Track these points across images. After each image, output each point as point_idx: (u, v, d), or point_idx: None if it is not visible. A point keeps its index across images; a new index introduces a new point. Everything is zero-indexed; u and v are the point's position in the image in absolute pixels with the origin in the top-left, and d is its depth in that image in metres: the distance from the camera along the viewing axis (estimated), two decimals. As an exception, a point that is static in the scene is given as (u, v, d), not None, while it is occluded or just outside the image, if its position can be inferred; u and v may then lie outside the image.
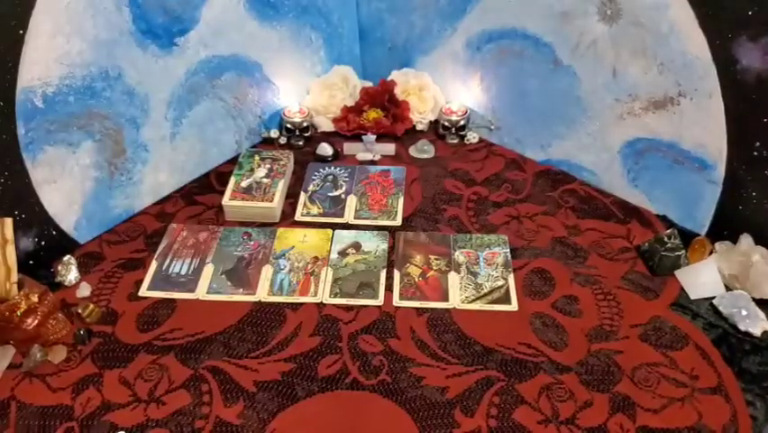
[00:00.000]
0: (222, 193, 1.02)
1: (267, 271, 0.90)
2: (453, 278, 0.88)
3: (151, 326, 0.82)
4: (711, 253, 0.88)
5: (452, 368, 0.76)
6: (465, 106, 1.17)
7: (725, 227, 0.91)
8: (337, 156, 1.14)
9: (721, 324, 0.80)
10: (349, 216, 1.01)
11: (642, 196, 1.00)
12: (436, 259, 0.92)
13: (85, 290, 0.87)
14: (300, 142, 1.17)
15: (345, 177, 1.09)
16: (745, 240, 0.86)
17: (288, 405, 0.72)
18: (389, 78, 1.22)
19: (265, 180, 1.05)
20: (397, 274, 0.89)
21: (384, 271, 0.90)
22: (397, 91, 1.21)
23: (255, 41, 1.10)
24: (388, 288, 0.87)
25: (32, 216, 0.87)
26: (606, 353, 0.77)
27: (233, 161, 1.11)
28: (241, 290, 0.88)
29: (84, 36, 0.85)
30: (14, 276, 0.78)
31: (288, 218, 1.01)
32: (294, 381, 0.75)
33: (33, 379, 0.75)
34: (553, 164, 1.10)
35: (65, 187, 0.90)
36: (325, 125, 1.22)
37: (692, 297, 0.84)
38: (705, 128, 0.87)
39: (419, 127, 1.20)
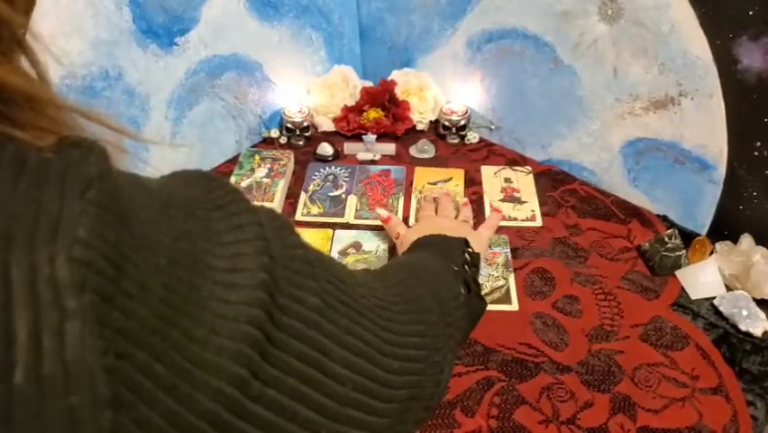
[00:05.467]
0: (222, 193, 1.02)
1: (267, 271, 0.90)
2: (454, 278, 0.88)
3: (152, 326, 0.82)
4: (712, 253, 0.88)
5: (452, 368, 0.76)
6: (466, 106, 1.17)
7: (725, 227, 0.91)
8: (337, 156, 1.14)
9: (722, 324, 0.80)
10: (349, 216, 1.01)
11: (642, 196, 1.00)
12: (437, 259, 0.92)
13: (85, 290, 0.87)
14: (300, 142, 1.17)
15: (345, 177, 1.09)
16: (746, 240, 0.86)
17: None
18: (390, 78, 1.22)
19: (265, 180, 1.04)
20: (397, 274, 0.89)
21: (384, 271, 0.90)
22: (398, 91, 1.21)
23: (255, 41, 1.10)
24: (389, 288, 0.87)
25: (32, 215, 0.87)
26: (606, 353, 0.77)
27: (234, 161, 1.11)
28: (241, 289, 0.87)
29: (84, 36, 0.85)
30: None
31: (288, 218, 1.01)
32: (294, 381, 0.75)
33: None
34: (554, 164, 1.10)
35: (65, 187, 0.90)
36: (326, 125, 1.22)
37: (693, 297, 0.84)
38: (706, 128, 0.87)
39: (419, 127, 1.20)
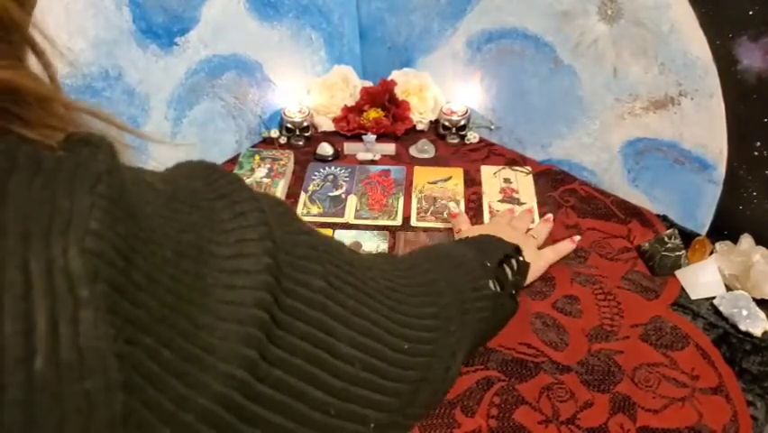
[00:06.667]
0: (222, 193, 1.02)
1: (267, 271, 0.90)
2: (454, 278, 0.88)
3: (152, 325, 0.82)
4: (712, 253, 0.88)
5: (452, 368, 0.76)
6: (465, 106, 1.17)
7: (725, 227, 0.91)
8: (337, 156, 1.14)
9: (722, 324, 0.80)
10: (349, 216, 1.01)
11: (642, 196, 1.01)
12: (437, 259, 0.91)
13: (85, 290, 0.87)
14: (300, 142, 1.17)
15: (345, 177, 1.09)
16: (746, 240, 0.86)
17: (288, 405, 0.72)
18: (390, 78, 1.22)
19: (265, 180, 1.05)
20: (397, 274, 0.89)
21: (384, 270, 0.90)
22: (398, 91, 1.21)
23: (255, 41, 1.10)
24: (389, 288, 0.87)
25: (32, 215, 0.87)
26: (606, 353, 0.78)
27: (234, 161, 1.11)
28: (241, 289, 0.87)
29: (84, 36, 0.85)
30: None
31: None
32: (294, 381, 0.75)
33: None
34: (554, 164, 1.10)
35: (65, 186, 0.90)
36: (325, 125, 1.22)
37: (693, 297, 0.84)
38: (705, 128, 0.87)
39: (419, 127, 1.20)
